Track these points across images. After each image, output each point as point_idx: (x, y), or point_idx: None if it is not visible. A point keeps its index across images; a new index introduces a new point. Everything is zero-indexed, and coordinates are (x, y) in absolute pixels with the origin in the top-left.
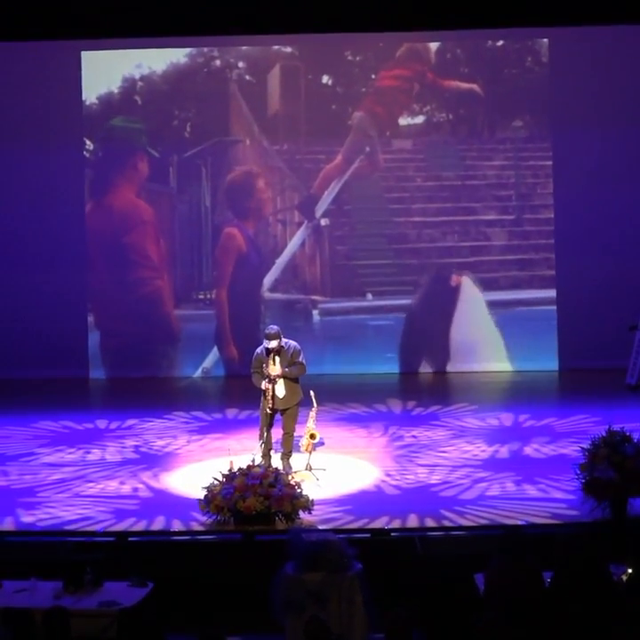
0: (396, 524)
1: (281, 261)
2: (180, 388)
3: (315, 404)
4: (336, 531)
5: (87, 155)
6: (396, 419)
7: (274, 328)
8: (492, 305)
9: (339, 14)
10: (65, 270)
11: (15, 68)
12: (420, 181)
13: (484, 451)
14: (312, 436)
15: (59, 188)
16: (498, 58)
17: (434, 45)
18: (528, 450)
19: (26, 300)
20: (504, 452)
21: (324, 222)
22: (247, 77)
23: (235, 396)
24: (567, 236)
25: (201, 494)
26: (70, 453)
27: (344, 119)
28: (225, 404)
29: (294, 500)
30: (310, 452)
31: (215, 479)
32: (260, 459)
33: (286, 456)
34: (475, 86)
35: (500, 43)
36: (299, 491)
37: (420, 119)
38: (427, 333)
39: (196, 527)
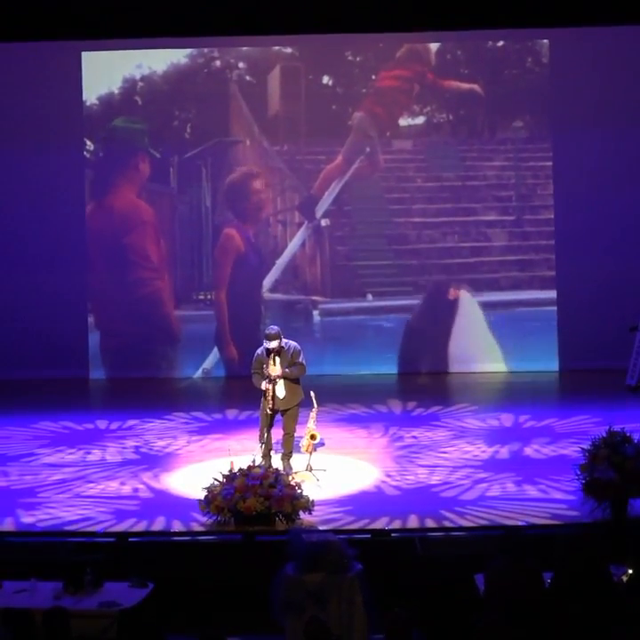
0: (397, 524)
1: (281, 262)
2: (181, 389)
3: (315, 405)
4: (336, 531)
5: (87, 155)
6: (396, 419)
7: (274, 328)
8: (493, 306)
9: (339, 15)
10: (65, 270)
11: (15, 68)
12: (421, 182)
13: (484, 451)
14: (312, 437)
15: (59, 189)
16: (498, 58)
17: (434, 46)
18: (528, 450)
19: (26, 300)
20: (504, 452)
21: (324, 223)
22: (247, 78)
23: (235, 396)
24: (567, 237)
25: (201, 495)
26: (70, 454)
27: (344, 120)
28: (225, 405)
29: (294, 501)
30: (311, 453)
31: (215, 480)
32: (261, 459)
33: (287, 457)
34: (475, 87)
35: (501, 43)
36: (299, 491)
37: (420, 120)
38: (426, 341)
39: (197, 528)
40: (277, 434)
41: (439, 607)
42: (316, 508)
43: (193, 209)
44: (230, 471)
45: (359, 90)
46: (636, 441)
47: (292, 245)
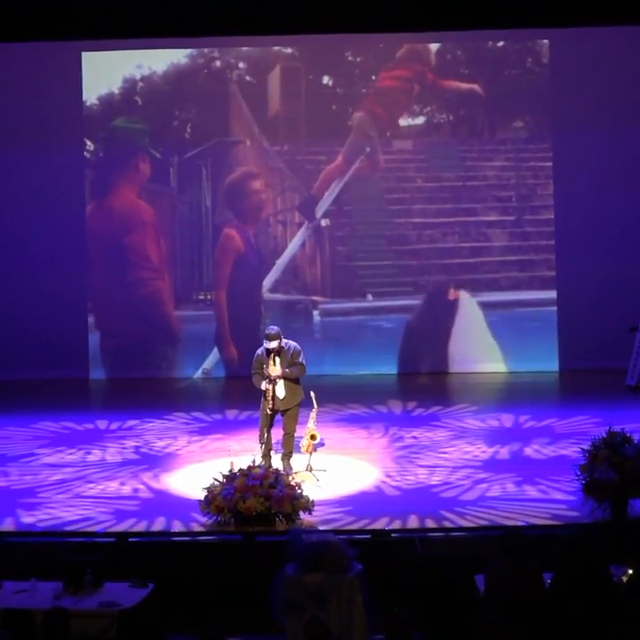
0: (397, 524)
1: (281, 262)
2: (181, 389)
3: (315, 405)
4: (336, 531)
5: (87, 155)
6: (396, 419)
7: (274, 329)
8: (493, 306)
9: (339, 15)
10: (65, 270)
11: (15, 68)
12: (421, 182)
13: (484, 452)
14: (312, 437)
15: (59, 189)
16: (498, 59)
17: (434, 46)
18: (528, 451)
19: (26, 299)
20: (504, 452)
21: (324, 223)
22: (247, 78)
23: (235, 396)
24: (567, 237)
25: (201, 495)
26: (71, 454)
27: (344, 120)
28: (225, 405)
29: (295, 501)
30: (311, 453)
31: (215, 480)
32: (261, 459)
33: (287, 457)
34: (475, 87)
35: (501, 43)
36: (299, 491)
37: (420, 120)
38: (426, 342)
39: (197, 528)
40: (277, 434)
41: (439, 607)
42: (316, 508)
43: (193, 209)
44: (230, 471)
45: (359, 90)
46: (636, 441)
47: (292, 245)
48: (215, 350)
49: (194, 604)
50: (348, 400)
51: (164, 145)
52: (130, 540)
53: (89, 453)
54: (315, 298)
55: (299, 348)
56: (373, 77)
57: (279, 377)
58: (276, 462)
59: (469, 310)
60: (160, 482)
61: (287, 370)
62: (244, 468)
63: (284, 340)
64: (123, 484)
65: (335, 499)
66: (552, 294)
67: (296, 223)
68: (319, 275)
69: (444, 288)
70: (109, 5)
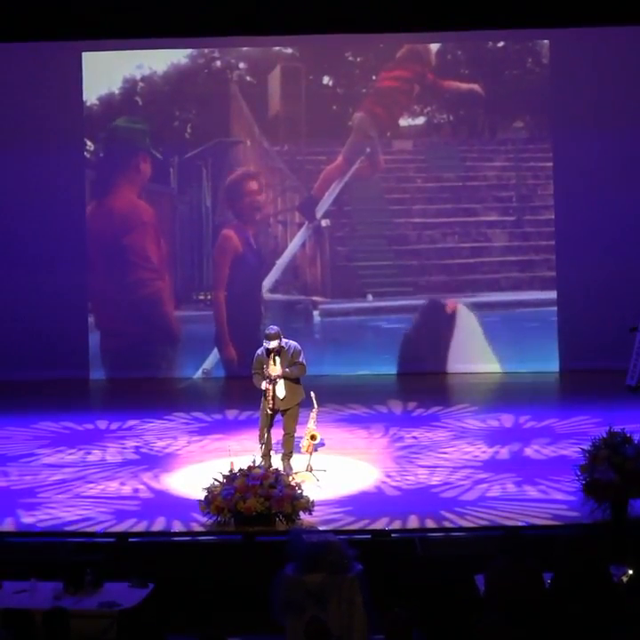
0: (397, 525)
1: (281, 262)
2: (181, 389)
3: (315, 405)
4: (336, 532)
5: (88, 155)
6: (396, 420)
7: (274, 328)
8: (493, 306)
9: (339, 15)
10: (65, 270)
11: (15, 68)
12: (421, 182)
13: (484, 452)
14: (313, 437)
15: (59, 189)
16: (498, 59)
17: (434, 46)
18: (528, 451)
19: (26, 299)
20: (504, 453)
21: (324, 223)
22: (248, 78)
23: (235, 396)
24: (568, 237)
25: (201, 495)
26: (71, 454)
27: (345, 120)
28: (225, 405)
29: (295, 501)
30: (311, 453)
31: (215, 480)
32: (261, 459)
33: (287, 457)
34: (475, 87)
35: (501, 44)
36: (299, 492)
37: (420, 120)
38: (425, 345)
39: (197, 528)
40: (277, 434)
41: (439, 607)
42: (316, 508)
43: (193, 209)
44: (230, 471)
45: (359, 90)
46: (636, 442)
47: (293, 246)
48: (215, 350)
49: (194, 604)
50: (348, 400)
51: (164, 145)
52: (130, 540)
53: (89, 453)
54: (315, 298)
55: (299, 347)
56: (373, 77)
57: (279, 377)
58: (276, 462)
59: (466, 320)
60: (160, 482)
61: (287, 370)
62: (244, 468)
63: (284, 340)
64: (123, 484)
65: (335, 499)
66: (552, 294)
67: (296, 223)
68: (319, 275)
69: (442, 297)
70: (109, 5)
